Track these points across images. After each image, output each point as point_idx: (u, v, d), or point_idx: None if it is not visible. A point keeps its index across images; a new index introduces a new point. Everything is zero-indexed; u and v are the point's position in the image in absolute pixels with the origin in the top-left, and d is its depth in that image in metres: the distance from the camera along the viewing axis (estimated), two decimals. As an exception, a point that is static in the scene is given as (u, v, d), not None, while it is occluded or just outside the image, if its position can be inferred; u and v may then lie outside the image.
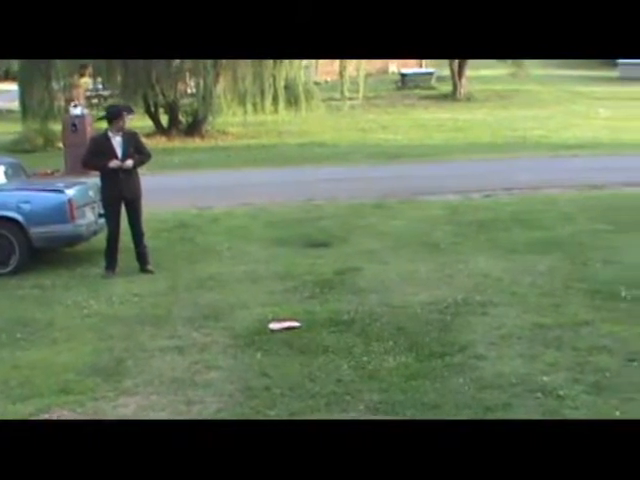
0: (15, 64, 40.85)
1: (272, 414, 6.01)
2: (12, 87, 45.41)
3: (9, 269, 11.22)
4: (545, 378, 6.51)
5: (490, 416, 5.82)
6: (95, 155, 10.85)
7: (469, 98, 41.85)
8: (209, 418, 5.99)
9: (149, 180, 11.42)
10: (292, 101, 31.57)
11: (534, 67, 43.86)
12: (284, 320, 8.28)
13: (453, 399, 6.16)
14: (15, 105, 37.57)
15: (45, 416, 6.15)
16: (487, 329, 7.85)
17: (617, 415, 5.78)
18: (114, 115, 11.01)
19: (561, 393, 6.19)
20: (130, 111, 11.48)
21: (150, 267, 11.00)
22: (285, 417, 5.91)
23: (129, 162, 10.71)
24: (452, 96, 42.57)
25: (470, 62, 42.71)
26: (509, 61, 41.91)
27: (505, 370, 6.72)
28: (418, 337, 7.63)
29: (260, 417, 5.94)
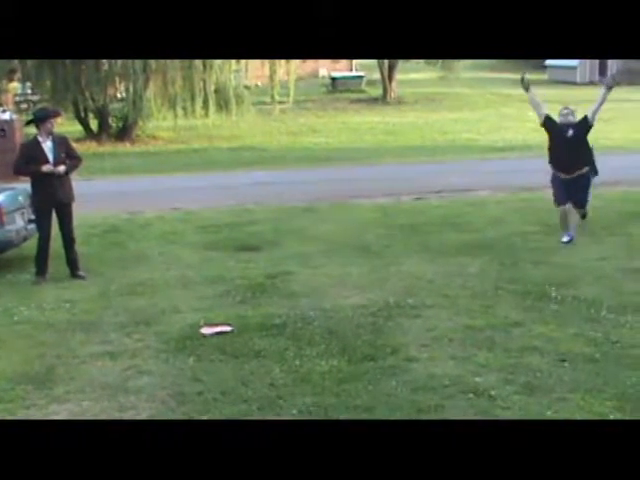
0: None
1: (205, 419, 5.99)
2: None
3: None
4: (477, 379, 6.58)
5: (423, 417, 5.87)
6: (26, 161, 10.71)
7: (399, 101, 42.17)
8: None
9: (80, 185, 11.30)
10: (222, 105, 31.44)
11: (464, 70, 44.38)
12: (216, 325, 8.26)
13: (386, 401, 6.20)
14: (-58, 110, 36.93)
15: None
16: (419, 331, 7.92)
17: (548, 415, 5.87)
18: (41, 117, 10.89)
19: (493, 393, 6.27)
20: (58, 114, 11.32)
21: (81, 273, 10.90)
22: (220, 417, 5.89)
23: (61, 168, 10.60)
24: (382, 99, 42.86)
25: (400, 65, 43.07)
26: (439, 64, 42.39)
27: (437, 372, 6.78)
28: (350, 340, 7.66)
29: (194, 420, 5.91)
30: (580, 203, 11.98)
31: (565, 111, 12.06)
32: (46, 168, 10.55)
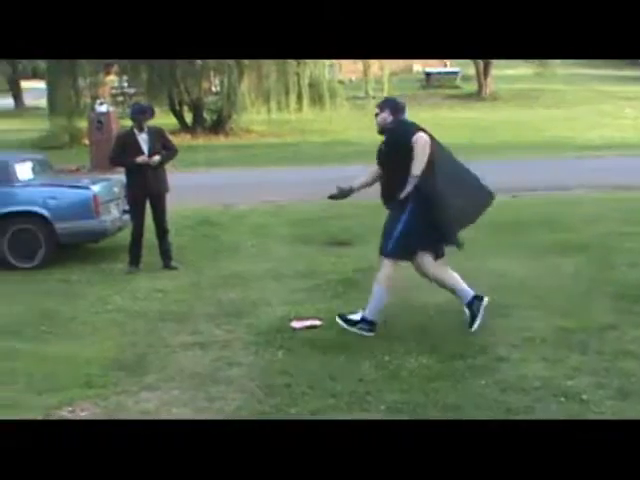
0: (42, 63, 41.35)
1: (293, 412, 6.01)
2: (39, 85, 46.00)
3: (35, 263, 11.36)
4: (569, 382, 6.44)
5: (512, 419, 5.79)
6: (121, 152, 10.92)
7: (494, 97, 41.80)
8: (214, 418, 5.98)
9: (173, 177, 11.45)
10: (316, 99, 31.61)
11: (560, 66, 43.67)
12: (306, 318, 8.27)
13: (474, 401, 6.13)
14: (42, 102, 38.05)
15: (68, 409, 6.18)
16: (509, 331, 7.80)
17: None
18: (132, 113, 11.12)
19: (585, 397, 6.12)
20: (151, 112, 11.40)
21: (174, 263, 11.06)
22: (306, 415, 5.91)
23: (156, 158, 10.76)
24: (477, 95, 42.54)
25: (495, 61, 42.62)
26: (535, 60, 41.82)
27: (528, 373, 6.67)
28: (440, 338, 7.59)
29: (281, 415, 5.94)
30: (382, 246, 8.02)
31: None
32: (140, 159, 10.72)
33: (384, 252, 7.89)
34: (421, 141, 7.56)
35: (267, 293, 9.49)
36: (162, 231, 11.09)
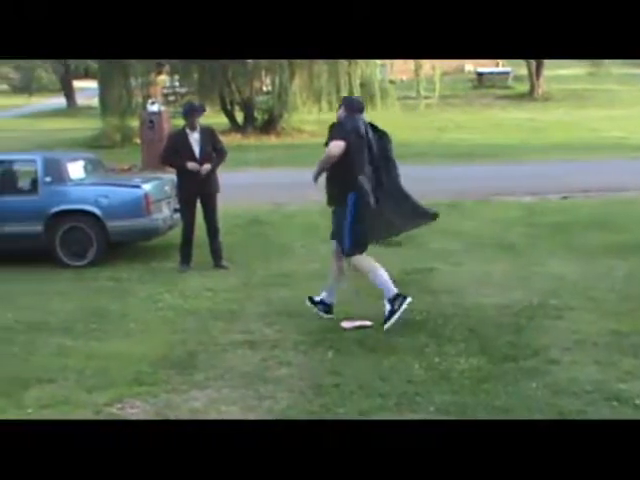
0: (94, 62, 41.88)
1: (341, 412, 5.99)
2: (92, 85, 46.59)
3: (86, 261, 11.48)
4: (622, 386, 6.35)
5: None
6: (173, 152, 10.97)
7: (547, 98, 41.47)
8: (263, 417, 5.98)
9: (224, 176, 11.48)
10: (367, 99, 31.50)
11: (613, 66, 43.18)
12: (356, 319, 8.25)
13: (525, 403, 6.06)
14: (94, 102, 38.58)
15: (118, 406, 6.21)
16: (562, 334, 7.71)
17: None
18: (185, 112, 11.16)
19: (638, 402, 6.03)
20: (202, 110, 11.49)
21: (224, 263, 11.09)
22: (354, 416, 5.88)
23: (207, 166, 10.78)
24: (529, 96, 42.26)
25: (548, 61, 42.29)
26: (588, 60, 41.46)
27: (580, 376, 6.58)
28: (491, 340, 7.53)
29: (330, 415, 5.92)
30: (342, 249, 8.29)
31: None
32: (191, 166, 10.76)
33: (346, 254, 8.26)
34: (329, 150, 7.90)
35: (317, 293, 9.45)
36: (213, 230, 11.14)
